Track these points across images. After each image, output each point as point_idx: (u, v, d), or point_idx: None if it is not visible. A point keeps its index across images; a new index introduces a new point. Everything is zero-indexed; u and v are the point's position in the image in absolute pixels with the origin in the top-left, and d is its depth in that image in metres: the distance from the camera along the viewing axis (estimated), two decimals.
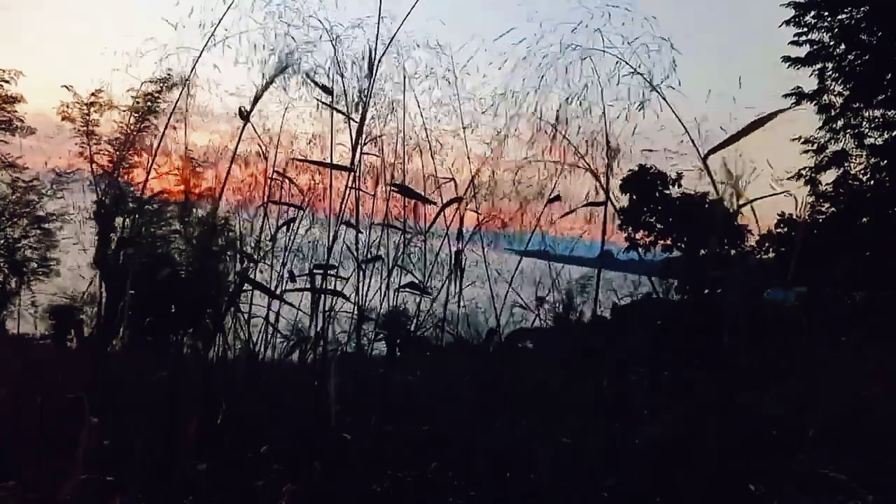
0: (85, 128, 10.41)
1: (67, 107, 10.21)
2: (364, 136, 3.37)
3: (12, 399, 3.24)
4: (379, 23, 3.31)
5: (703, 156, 2.74)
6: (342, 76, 3.51)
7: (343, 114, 3.41)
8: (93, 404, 2.83)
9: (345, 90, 3.53)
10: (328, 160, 3.57)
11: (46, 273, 10.68)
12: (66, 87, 10.31)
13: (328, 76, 3.55)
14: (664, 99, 3.19)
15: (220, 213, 3.76)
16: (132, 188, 10.46)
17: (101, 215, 10.41)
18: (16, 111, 10.54)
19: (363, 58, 3.44)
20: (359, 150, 3.26)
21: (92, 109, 10.23)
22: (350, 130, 3.33)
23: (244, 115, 3.25)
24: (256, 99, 3.30)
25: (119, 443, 2.62)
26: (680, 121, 3.01)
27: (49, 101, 10.55)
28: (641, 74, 3.23)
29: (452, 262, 3.72)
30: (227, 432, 2.86)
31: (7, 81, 10.49)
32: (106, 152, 10.54)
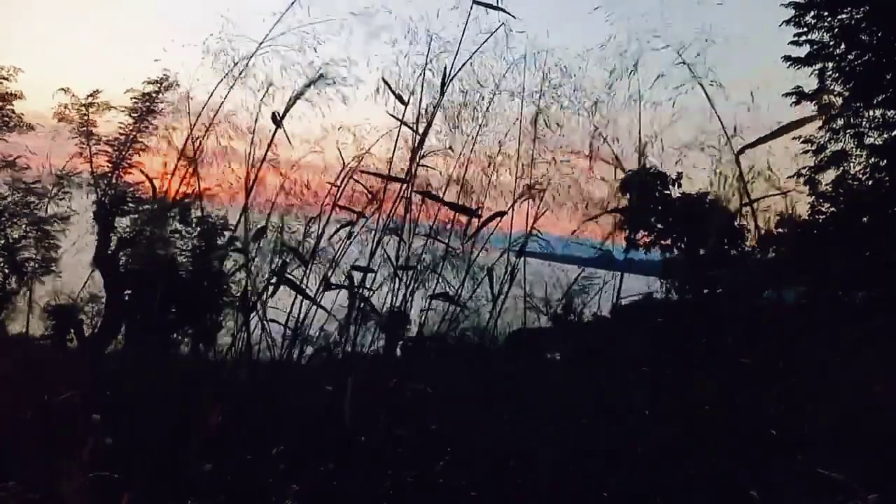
0: (86, 127, 10.39)
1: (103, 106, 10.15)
2: (424, 149, 3.48)
3: (13, 399, 3.24)
4: (459, 46, 3.40)
5: (736, 152, 2.80)
6: (423, 80, 3.57)
7: (409, 127, 3.49)
8: (94, 403, 2.84)
9: (420, 102, 3.61)
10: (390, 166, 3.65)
11: (46, 273, 10.65)
12: (63, 89, 10.30)
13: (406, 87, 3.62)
14: (705, 92, 3.27)
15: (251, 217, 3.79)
16: (135, 189, 10.45)
17: (102, 215, 10.39)
18: (13, 108, 10.51)
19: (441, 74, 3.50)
20: (416, 162, 3.35)
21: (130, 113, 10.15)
22: (413, 143, 3.43)
23: (277, 121, 3.27)
24: (289, 106, 3.33)
25: (126, 442, 2.63)
26: (718, 117, 3.06)
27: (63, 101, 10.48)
28: (687, 64, 3.33)
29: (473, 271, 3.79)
30: (236, 432, 2.87)
31: (6, 79, 10.46)
32: (104, 153, 10.53)
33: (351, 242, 3.70)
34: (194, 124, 3.69)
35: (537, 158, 4.18)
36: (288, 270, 3.57)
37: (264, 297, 3.44)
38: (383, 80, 3.62)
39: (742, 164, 3.10)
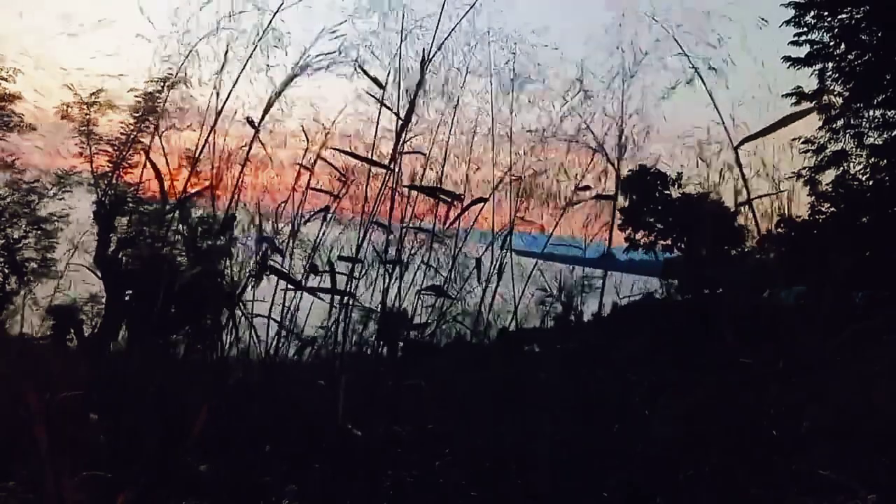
0: (87, 127, 10.38)
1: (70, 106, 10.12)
2: (408, 134, 3.37)
3: (12, 399, 3.24)
4: (439, 22, 3.32)
5: (735, 145, 2.75)
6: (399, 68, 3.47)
7: (390, 109, 3.35)
8: (94, 403, 2.83)
9: (399, 86, 3.50)
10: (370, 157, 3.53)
11: (46, 273, 10.65)
12: (68, 86, 10.29)
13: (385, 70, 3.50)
14: (702, 81, 3.19)
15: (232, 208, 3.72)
16: (132, 190, 10.45)
17: (101, 215, 10.40)
18: (13, 109, 10.49)
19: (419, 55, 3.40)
20: (399, 148, 3.24)
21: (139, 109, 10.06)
22: (395, 128, 3.30)
23: (253, 124, 3.23)
24: (268, 107, 3.27)
25: (122, 441, 2.62)
26: (716, 107, 2.99)
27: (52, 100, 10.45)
28: (687, 55, 3.25)
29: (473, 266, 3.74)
30: (232, 431, 2.87)
31: (6, 79, 10.45)
32: (106, 152, 10.53)
33: (328, 227, 3.62)
34: (156, 121, 3.66)
35: (515, 144, 4.06)
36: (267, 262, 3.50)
37: (247, 290, 3.38)
38: (359, 65, 3.50)
39: (741, 160, 3.05)
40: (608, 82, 3.64)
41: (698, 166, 3.78)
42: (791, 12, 13.32)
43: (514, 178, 3.95)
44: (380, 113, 3.51)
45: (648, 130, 3.69)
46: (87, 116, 10.44)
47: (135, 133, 10.44)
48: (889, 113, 12.69)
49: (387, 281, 3.41)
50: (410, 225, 3.68)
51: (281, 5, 3.41)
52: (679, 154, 3.93)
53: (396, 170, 3.35)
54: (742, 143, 2.71)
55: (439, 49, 3.40)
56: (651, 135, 3.71)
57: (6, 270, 10.41)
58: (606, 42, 3.65)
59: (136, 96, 10.12)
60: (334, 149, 3.76)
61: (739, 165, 2.85)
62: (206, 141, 3.53)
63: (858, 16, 12.64)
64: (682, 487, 2.89)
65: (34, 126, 10.37)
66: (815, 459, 2.83)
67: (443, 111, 3.84)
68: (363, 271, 3.41)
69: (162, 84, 10.03)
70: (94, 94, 10.40)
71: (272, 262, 3.40)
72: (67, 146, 10.34)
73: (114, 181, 10.48)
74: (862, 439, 3.05)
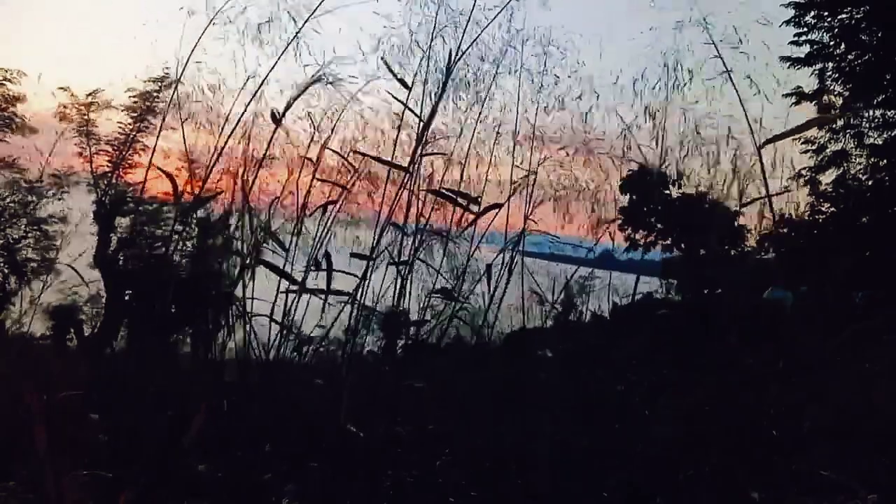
0: (85, 128, 10.36)
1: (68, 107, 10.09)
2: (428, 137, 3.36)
3: (12, 399, 3.23)
4: (467, 25, 3.31)
5: (758, 146, 2.84)
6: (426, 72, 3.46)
7: (413, 112, 3.34)
8: (94, 403, 2.83)
9: (424, 89, 3.49)
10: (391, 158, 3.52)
11: (46, 273, 10.63)
12: (62, 88, 10.27)
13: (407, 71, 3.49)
14: (733, 83, 3.25)
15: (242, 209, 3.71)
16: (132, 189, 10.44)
17: (101, 215, 10.38)
18: (15, 112, 10.48)
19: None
20: (419, 151, 3.24)
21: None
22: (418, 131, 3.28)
23: (276, 120, 3.21)
24: (288, 106, 3.25)
25: (122, 441, 2.62)
26: (744, 109, 3.07)
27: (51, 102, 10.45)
28: (718, 54, 3.31)
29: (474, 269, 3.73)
30: (233, 431, 2.87)
31: (10, 80, 10.43)
32: (104, 153, 10.52)
33: (331, 223, 3.58)
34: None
35: (539, 146, 4.07)
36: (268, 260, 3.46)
37: (243, 287, 3.35)
38: (384, 61, 3.46)
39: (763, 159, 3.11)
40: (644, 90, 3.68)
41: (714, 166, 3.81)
42: (791, 12, 13.31)
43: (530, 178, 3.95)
44: (403, 115, 3.51)
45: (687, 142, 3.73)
46: (86, 117, 10.40)
47: (134, 133, 10.41)
48: (889, 113, 12.68)
49: (397, 282, 3.40)
50: (424, 227, 3.67)
51: (314, 11, 3.42)
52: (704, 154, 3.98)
53: (415, 172, 3.34)
54: (764, 144, 2.79)
55: (469, 48, 3.39)
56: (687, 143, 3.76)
57: (6, 270, 10.39)
58: (645, 51, 3.70)
59: (133, 97, 10.11)
60: (354, 151, 3.75)
61: (762, 164, 2.94)
62: (223, 144, 3.53)
63: (858, 16, 12.64)
64: (682, 487, 2.89)
65: (35, 129, 10.34)
66: (815, 459, 2.83)
67: (469, 112, 3.86)
68: (373, 271, 3.39)
69: (160, 84, 10.02)
70: (91, 94, 10.38)
71: (268, 256, 3.39)
72: (68, 146, 10.32)
73: (114, 181, 10.46)
74: (862, 439, 3.05)
